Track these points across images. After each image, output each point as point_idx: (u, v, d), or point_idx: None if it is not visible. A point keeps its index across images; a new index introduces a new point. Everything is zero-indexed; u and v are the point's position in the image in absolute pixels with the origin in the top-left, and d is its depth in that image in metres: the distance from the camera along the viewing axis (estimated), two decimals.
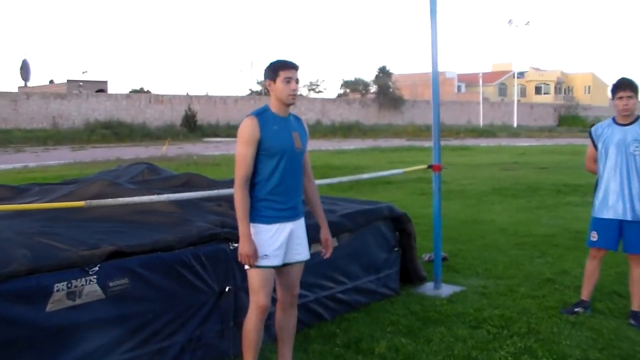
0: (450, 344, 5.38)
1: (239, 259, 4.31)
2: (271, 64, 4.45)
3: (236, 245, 4.94)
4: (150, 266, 4.61)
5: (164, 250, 4.74)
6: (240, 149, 4.30)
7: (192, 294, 4.86)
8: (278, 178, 4.35)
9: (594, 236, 6.14)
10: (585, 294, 6.27)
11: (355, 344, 5.37)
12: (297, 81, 4.41)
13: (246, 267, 4.39)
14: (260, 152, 4.31)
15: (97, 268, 4.31)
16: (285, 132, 4.38)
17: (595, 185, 6.29)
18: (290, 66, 4.38)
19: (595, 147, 6.17)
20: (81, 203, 4.60)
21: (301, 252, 4.56)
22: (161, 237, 4.82)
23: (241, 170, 4.29)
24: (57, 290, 4.11)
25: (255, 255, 4.26)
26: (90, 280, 4.26)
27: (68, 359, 4.17)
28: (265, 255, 4.32)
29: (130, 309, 4.50)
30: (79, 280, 4.22)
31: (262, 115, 4.37)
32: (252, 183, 4.36)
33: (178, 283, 4.76)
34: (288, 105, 4.42)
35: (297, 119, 4.60)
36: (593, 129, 6.27)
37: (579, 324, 5.86)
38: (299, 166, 4.50)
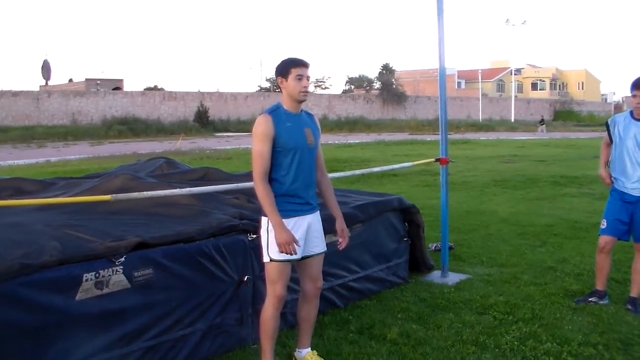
0: (458, 329, 5.53)
1: (280, 250, 4.32)
2: (283, 61, 4.50)
3: (254, 236, 5.13)
4: (173, 257, 4.74)
5: (185, 241, 4.86)
6: (257, 146, 4.35)
7: (213, 283, 4.99)
8: (293, 174, 4.43)
9: (603, 224, 6.29)
10: (599, 284, 6.36)
11: (368, 330, 5.51)
12: (308, 78, 4.47)
13: (264, 259, 4.48)
14: (275, 148, 4.37)
15: (123, 259, 4.43)
16: (298, 128, 4.45)
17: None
18: (302, 64, 4.43)
19: (611, 137, 6.30)
20: (107, 197, 4.76)
21: (319, 245, 4.65)
22: (183, 229, 4.95)
23: (259, 166, 4.34)
24: (86, 280, 4.22)
25: (294, 240, 4.33)
26: (117, 271, 4.39)
27: (96, 346, 4.28)
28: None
29: (154, 297, 4.62)
30: (106, 270, 4.34)
31: (275, 112, 4.43)
32: (269, 179, 4.43)
33: (199, 273, 4.89)
34: (300, 102, 4.48)
35: (309, 115, 4.67)
36: (610, 120, 6.40)
37: (580, 310, 6.03)
38: (312, 161, 4.57)
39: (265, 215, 4.41)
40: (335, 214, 4.81)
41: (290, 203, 4.46)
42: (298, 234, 4.43)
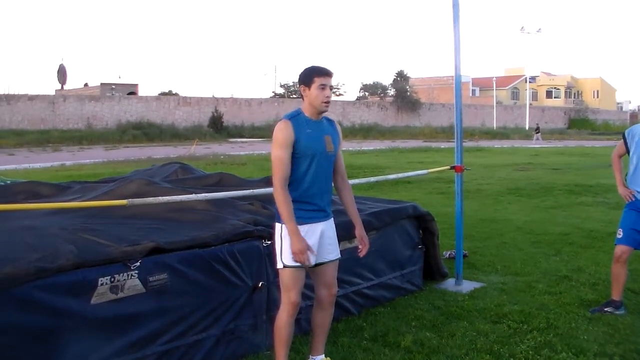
0: (473, 338, 5.50)
1: (295, 259, 4.33)
2: (306, 69, 4.47)
3: (269, 242, 5.14)
4: (188, 262, 4.75)
5: (200, 247, 4.87)
6: (277, 152, 4.34)
7: (227, 289, 4.99)
8: (310, 180, 4.42)
9: (620, 233, 6.25)
10: (615, 294, 6.30)
11: (382, 338, 5.50)
12: (331, 88, 4.45)
13: (278, 265, 4.47)
14: (294, 154, 4.35)
15: (138, 263, 4.44)
16: (317, 135, 4.44)
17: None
18: (325, 73, 4.41)
19: (627, 149, 6.26)
20: (124, 202, 4.78)
21: (332, 252, 4.63)
22: (198, 235, 4.96)
23: (279, 172, 4.33)
24: (101, 284, 4.24)
25: (308, 249, 4.32)
26: (132, 275, 4.40)
27: (111, 350, 4.28)
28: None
29: (168, 302, 4.62)
30: (121, 275, 4.35)
31: (296, 118, 4.41)
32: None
33: (214, 278, 4.90)
34: (321, 112, 4.47)
35: (330, 121, 4.64)
36: (627, 131, 6.36)
37: (595, 320, 5.98)
38: (330, 168, 4.57)
39: (280, 222, 4.41)
40: (355, 221, 4.79)
41: (304, 210, 4.44)
42: (311, 241, 4.42)
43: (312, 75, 4.41)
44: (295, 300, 4.46)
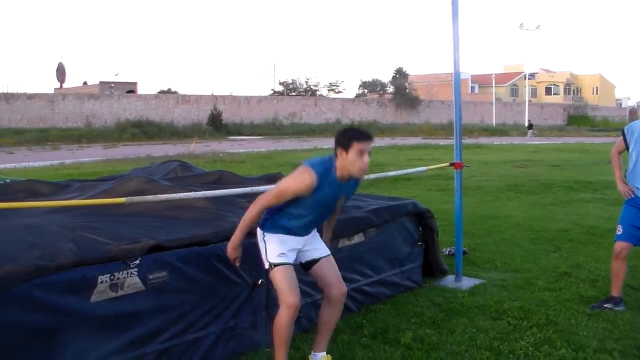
0: (472, 334, 5.51)
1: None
2: (346, 132, 4.28)
3: None
4: (188, 260, 4.74)
5: (200, 244, 4.88)
6: (284, 189, 4.26)
7: (227, 287, 4.99)
8: (304, 222, 4.45)
9: (619, 230, 6.25)
10: (614, 290, 6.30)
11: (382, 335, 5.50)
12: (370, 153, 4.24)
13: (266, 266, 4.50)
14: (302, 197, 4.28)
15: (137, 261, 4.43)
16: (334, 194, 4.38)
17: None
18: (366, 138, 4.20)
19: (627, 145, 6.25)
20: (123, 199, 4.78)
21: (319, 249, 4.65)
22: (197, 232, 4.97)
23: (271, 201, 4.31)
24: (101, 282, 4.23)
25: (238, 256, 4.50)
26: (132, 273, 4.40)
27: (111, 348, 4.29)
28: (282, 253, 4.41)
29: (168, 300, 4.62)
30: (121, 272, 4.34)
31: (325, 177, 4.24)
32: (276, 208, 4.39)
33: (213, 276, 4.89)
34: (354, 177, 4.34)
35: (356, 181, 4.51)
36: (626, 127, 6.36)
37: (595, 316, 5.99)
38: (327, 215, 4.65)
39: (261, 228, 4.51)
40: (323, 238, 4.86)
41: (287, 234, 4.49)
42: (292, 245, 4.46)
43: (352, 139, 4.20)
44: (293, 302, 4.38)
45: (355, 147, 4.17)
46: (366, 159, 4.22)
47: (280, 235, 4.46)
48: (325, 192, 4.28)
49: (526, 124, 66.38)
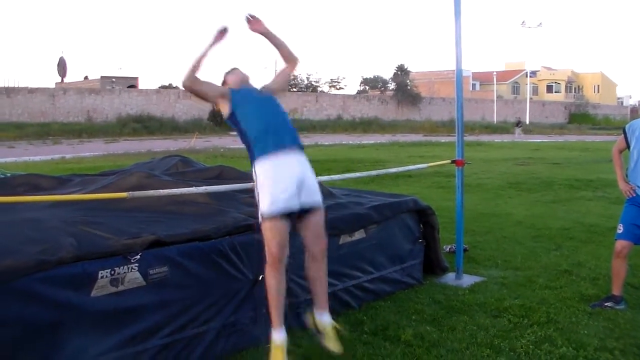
0: (473, 332, 5.50)
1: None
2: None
3: None
4: (189, 255, 4.75)
5: (201, 239, 4.87)
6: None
7: (228, 282, 4.99)
8: (261, 124, 4.70)
9: (620, 228, 6.24)
10: (615, 289, 6.29)
11: (382, 331, 5.49)
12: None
13: (259, 220, 4.55)
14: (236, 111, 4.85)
15: (138, 256, 4.44)
16: (249, 91, 5.04)
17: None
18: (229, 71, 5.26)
19: (628, 144, 6.24)
20: (124, 194, 4.77)
21: (314, 197, 4.66)
22: (199, 227, 4.96)
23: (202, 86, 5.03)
24: (102, 277, 4.24)
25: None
26: (132, 268, 4.40)
27: (111, 343, 4.29)
28: (273, 201, 4.44)
29: (169, 295, 4.62)
30: (121, 267, 4.35)
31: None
32: (242, 132, 4.77)
33: (214, 271, 4.90)
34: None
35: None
36: (627, 126, 6.35)
37: (595, 315, 5.97)
38: (271, 111, 4.88)
39: (253, 166, 4.65)
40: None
41: (268, 162, 4.57)
42: (285, 182, 4.50)
43: (225, 77, 5.23)
44: (275, 252, 4.49)
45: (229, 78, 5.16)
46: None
47: (266, 166, 4.53)
48: (241, 92, 4.93)
49: (527, 122, 66.31)
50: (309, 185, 4.63)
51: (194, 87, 4.82)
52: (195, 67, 4.80)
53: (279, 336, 4.59)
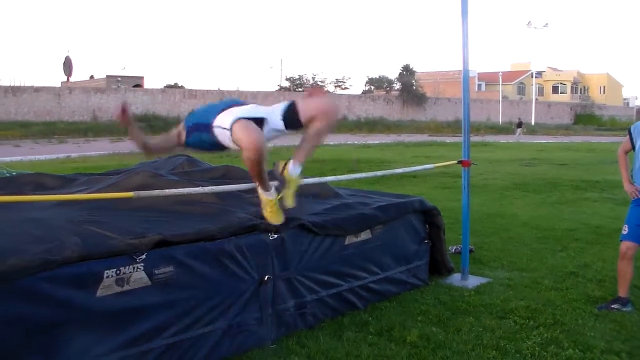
0: (479, 333, 5.48)
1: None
2: None
3: (275, 235, 5.18)
4: (195, 255, 4.73)
5: (207, 239, 4.85)
6: None
7: (233, 282, 4.98)
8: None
9: (625, 229, 6.23)
10: (621, 291, 6.28)
11: (388, 332, 5.48)
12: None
13: (228, 127, 4.80)
14: None
15: (144, 256, 4.42)
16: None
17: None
18: None
19: (633, 145, 6.24)
20: (130, 194, 4.76)
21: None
22: (204, 227, 4.93)
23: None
24: (107, 277, 4.22)
25: None
26: (138, 268, 4.38)
27: (116, 342, 4.28)
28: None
29: (174, 295, 4.60)
30: (127, 267, 4.33)
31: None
32: None
33: (220, 271, 4.88)
34: None
35: None
36: (633, 126, 6.35)
37: (602, 317, 5.95)
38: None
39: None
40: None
41: None
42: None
43: None
44: (252, 140, 4.61)
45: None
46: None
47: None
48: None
49: (532, 122, 66.10)
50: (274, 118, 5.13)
51: (160, 147, 5.60)
52: (144, 145, 5.35)
53: (271, 193, 5.04)
